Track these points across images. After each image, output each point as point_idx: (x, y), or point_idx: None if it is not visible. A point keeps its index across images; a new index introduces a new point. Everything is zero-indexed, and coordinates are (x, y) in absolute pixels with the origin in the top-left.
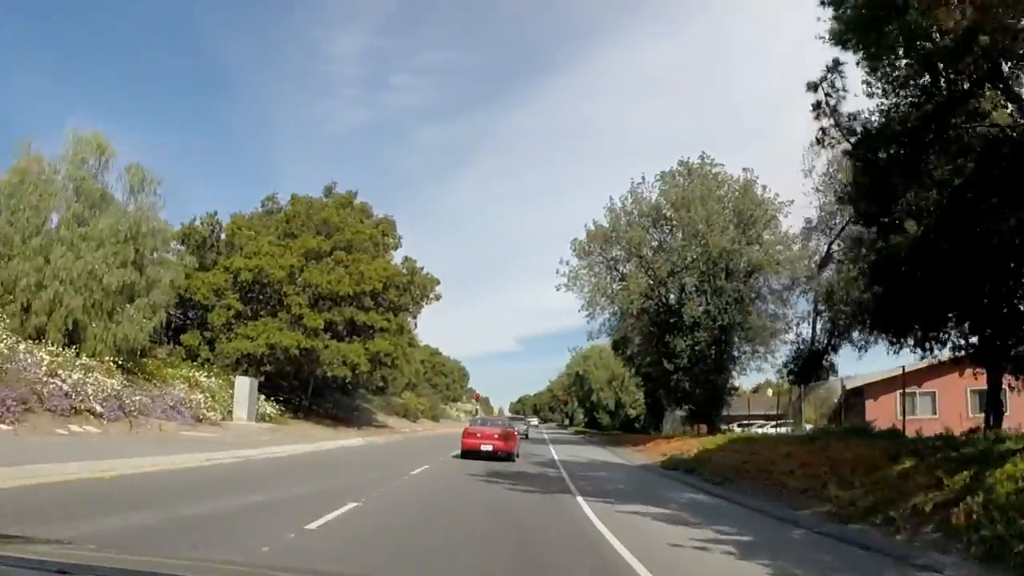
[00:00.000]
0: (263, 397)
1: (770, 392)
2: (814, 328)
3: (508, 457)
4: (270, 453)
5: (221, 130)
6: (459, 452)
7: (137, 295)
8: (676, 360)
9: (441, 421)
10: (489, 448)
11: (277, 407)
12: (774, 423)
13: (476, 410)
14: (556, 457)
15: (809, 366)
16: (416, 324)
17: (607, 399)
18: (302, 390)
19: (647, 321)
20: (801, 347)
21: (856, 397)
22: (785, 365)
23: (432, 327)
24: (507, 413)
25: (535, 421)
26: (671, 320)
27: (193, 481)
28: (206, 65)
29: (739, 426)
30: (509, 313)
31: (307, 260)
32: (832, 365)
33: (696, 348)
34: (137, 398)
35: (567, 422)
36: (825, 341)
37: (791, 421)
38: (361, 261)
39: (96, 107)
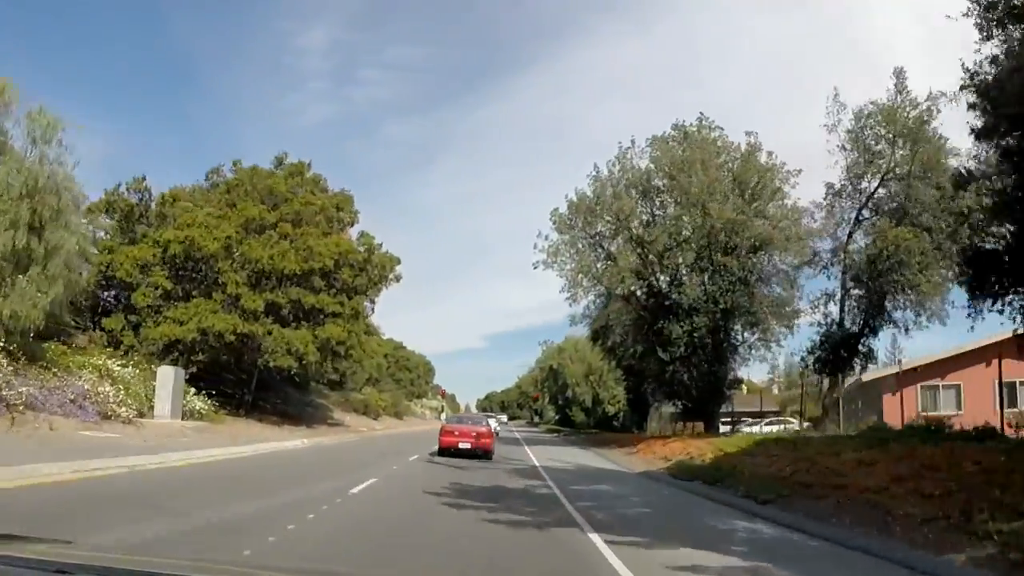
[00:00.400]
0: (195, 391)
1: (775, 389)
2: (842, 308)
3: (486, 455)
4: (178, 460)
5: (185, 120)
6: (417, 457)
7: (33, 263)
8: (671, 349)
9: (405, 419)
10: (467, 446)
11: (210, 402)
12: (768, 421)
13: (442, 407)
14: (537, 463)
15: (840, 353)
16: (374, 309)
17: (583, 395)
18: (246, 383)
19: (636, 305)
20: (831, 330)
21: (870, 391)
22: (811, 351)
23: (399, 323)
24: (474, 410)
25: (503, 418)
26: (665, 303)
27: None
28: (172, 55)
29: (730, 424)
30: (476, 310)
31: (247, 232)
32: (870, 351)
33: (695, 335)
34: (23, 389)
35: (536, 419)
36: (860, 322)
37: (788, 419)
38: (310, 235)
39: (57, 97)
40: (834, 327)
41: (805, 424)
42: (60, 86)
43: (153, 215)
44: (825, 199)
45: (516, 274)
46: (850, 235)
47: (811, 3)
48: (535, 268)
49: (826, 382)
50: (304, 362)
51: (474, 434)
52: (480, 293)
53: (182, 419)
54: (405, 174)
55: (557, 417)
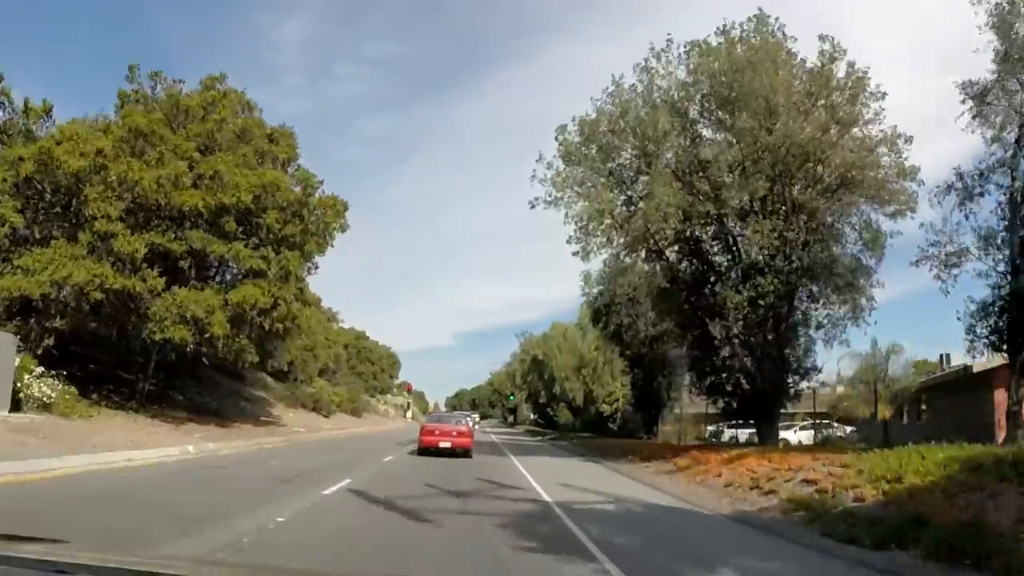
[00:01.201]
0: (49, 371)
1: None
2: (1014, 258)
3: (466, 453)
4: None
5: None
6: (347, 484)
7: None
8: (726, 323)
9: (365, 416)
10: (447, 445)
11: (64, 388)
12: (802, 425)
13: (408, 404)
14: (545, 493)
15: None
16: (313, 270)
17: (573, 391)
18: (144, 366)
19: (667, 268)
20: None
21: (976, 387)
22: (982, 311)
23: (368, 319)
24: (443, 408)
25: (476, 416)
26: (713, 261)
27: None
28: (147, 46)
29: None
30: (446, 308)
31: (132, 150)
32: None
33: (761, 303)
34: None
35: (511, 419)
36: None
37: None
38: (222, 162)
39: (30, 85)
40: (1004, 287)
41: (848, 429)
42: (32, 74)
43: (16, 130)
44: (966, 102)
45: (488, 272)
46: (1019, 143)
47: (792, 9)
48: (532, 207)
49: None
50: (209, 336)
51: (454, 433)
52: (451, 291)
53: (13, 410)
54: (378, 171)
55: (534, 417)
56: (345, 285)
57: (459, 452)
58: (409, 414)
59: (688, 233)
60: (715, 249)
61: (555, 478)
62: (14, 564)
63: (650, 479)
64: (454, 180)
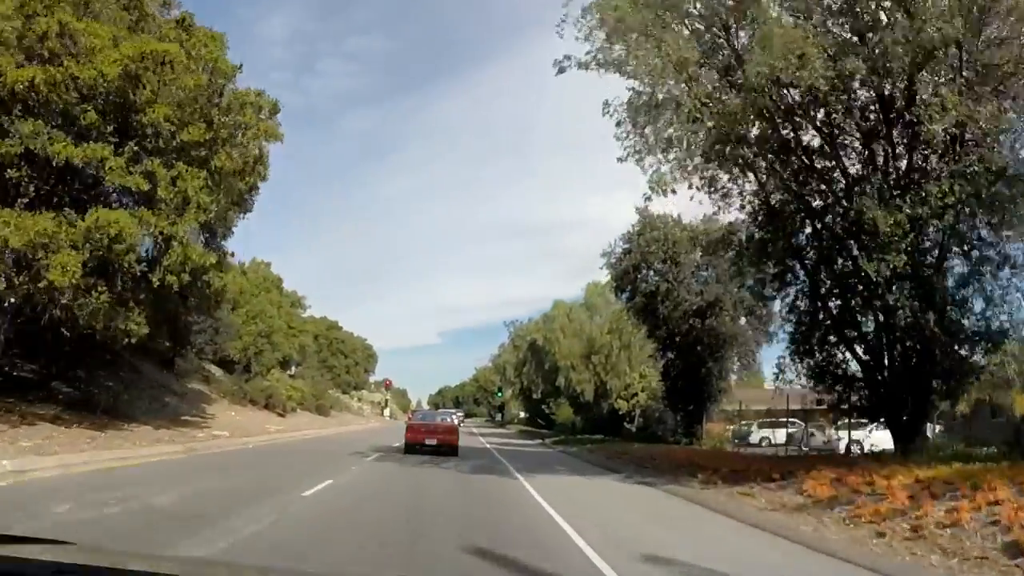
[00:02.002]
0: None
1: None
2: None
3: (452, 451)
4: None
5: None
6: None
7: None
8: (887, 259)
9: (334, 415)
10: (433, 442)
11: None
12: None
13: (385, 401)
14: None
15: None
16: (243, 211)
17: (580, 384)
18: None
19: (771, 180)
20: None
21: None
22: None
23: (352, 314)
24: (425, 406)
25: (460, 414)
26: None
27: None
28: None
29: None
30: (432, 306)
31: None
32: None
33: (936, 224)
34: None
35: (499, 417)
36: None
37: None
38: (76, 19)
39: None
40: None
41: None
42: None
43: None
44: None
45: (472, 270)
46: None
47: None
48: (561, 71)
49: None
50: (47, 286)
51: (440, 431)
52: (435, 288)
53: None
54: (361, 168)
55: (524, 415)
56: (327, 281)
57: (444, 450)
58: (387, 412)
59: (826, 111)
60: (853, 143)
61: (614, 530)
62: (14, 564)
63: (785, 524)
64: (437, 177)
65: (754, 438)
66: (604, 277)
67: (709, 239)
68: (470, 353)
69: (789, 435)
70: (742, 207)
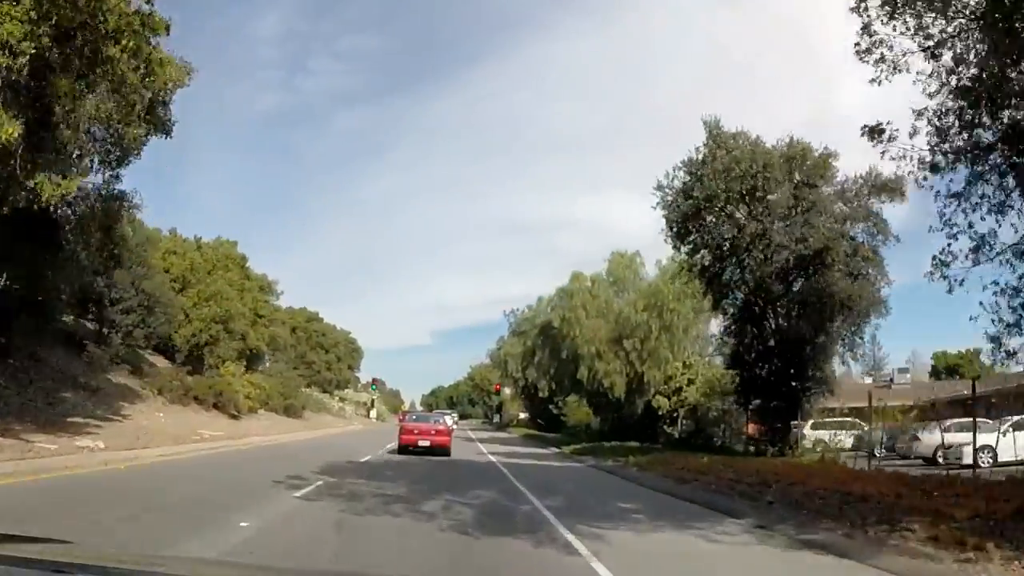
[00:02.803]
0: None
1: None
2: None
3: (444, 452)
4: None
5: None
6: None
7: None
8: None
9: (309, 417)
10: (427, 443)
11: None
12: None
13: (372, 402)
14: None
15: None
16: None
17: (609, 376)
18: None
19: None
20: None
21: None
22: None
23: (343, 314)
24: (419, 407)
25: (455, 415)
26: None
27: None
28: None
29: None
30: (424, 306)
31: None
32: None
33: None
34: None
35: (497, 418)
36: None
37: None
38: None
39: None
40: None
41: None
42: None
43: None
44: None
45: (465, 270)
46: None
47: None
48: None
49: None
50: None
51: (433, 432)
52: (427, 289)
53: None
54: (353, 166)
55: (525, 416)
56: (319, 280)
57: (437, 451)
58: (374, 413)
59: None
60: None
61: None
62: (14, 564)
63: None
64: (429, 176)
65: (808, 440)
66: (630, 247)
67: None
68: (462, 353)
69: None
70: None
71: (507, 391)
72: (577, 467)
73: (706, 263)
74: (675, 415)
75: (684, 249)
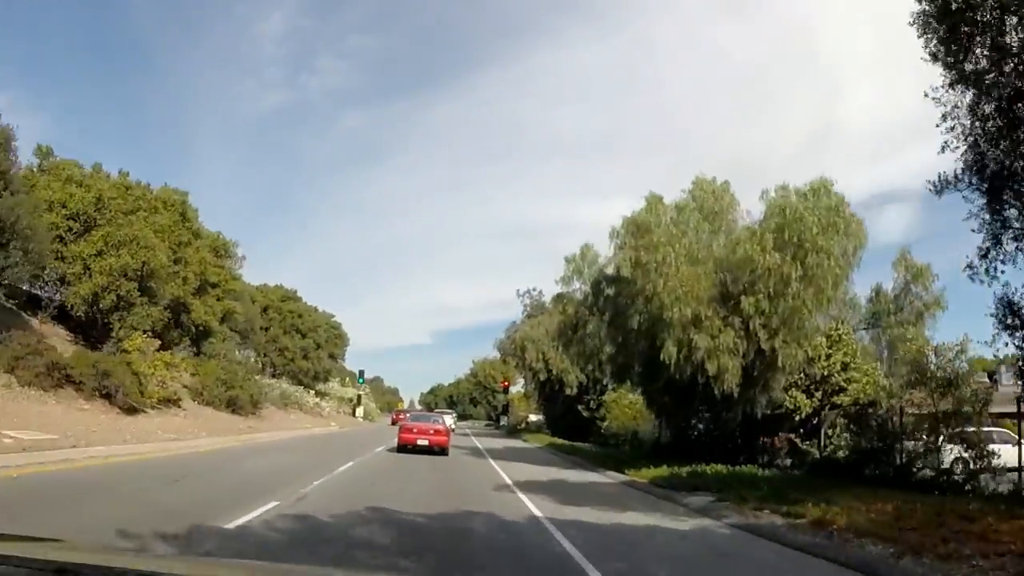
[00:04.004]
0: None
1: None
2: None
3: (442, 451)
4: None
5: (135, 102)
6: None
7: None
8: None
9: (266, 415)
10: (425, 442)
11: None
12: None
13: (358, 398)
14: None
15: None
16: None
17: (715, 355)
18: None
19: None
20: None
21: None
22: None
23: (345, 313)
24: (418, 406)
25: (453, 416)
26: None
27: None
28: (126, 35)
29: None
30: (424, 306)
31: None
32: None
33: None
34: None
35: (504, 421)
36: None
37: None
38: None
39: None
40: None
41: None
42: (8, 61)
43: None
44: None
45: (465, 271)
46: None
47: (770, 9)
48: None
49: None
50: None
51: (432, 432)
52: (428, 289)
53: None
54: (358, 167)
55: (538, 419)
56: (320, 280)
57: (436, 450)
58: (360, 412)
59: None
60: None
61: None
62: (14, 564)
63: None
64: (432, 178)
65: None
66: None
67: None
68: (462, 354)
69: None
70: None
71: (514, 389)
72: (720, 535)
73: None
74: (816, 420)
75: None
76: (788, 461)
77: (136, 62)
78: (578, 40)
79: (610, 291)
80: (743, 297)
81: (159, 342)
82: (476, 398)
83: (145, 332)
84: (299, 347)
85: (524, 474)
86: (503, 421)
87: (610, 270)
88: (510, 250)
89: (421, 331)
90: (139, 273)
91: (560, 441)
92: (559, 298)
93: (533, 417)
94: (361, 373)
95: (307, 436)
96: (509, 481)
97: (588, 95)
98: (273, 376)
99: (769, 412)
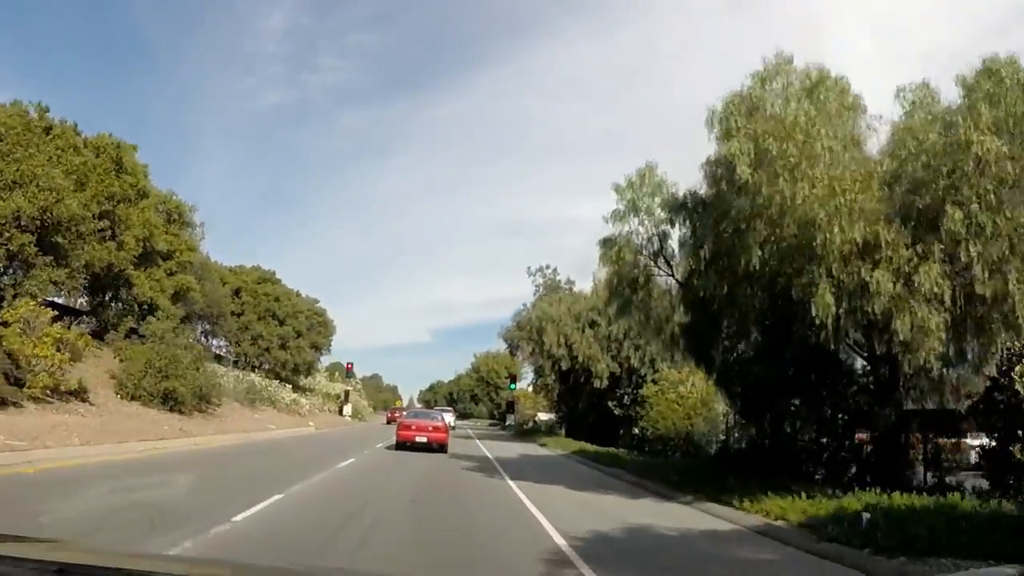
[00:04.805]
0: None
1: None
2: None
3: (441, 448)
4: None
5: (135, 99)
6: None
7: None
8: None
9: (220, 414)
10: (424, 440)
11: None
12: None
13: (346, 394)
14: None
15: None
16: None
17: (903, 310)
18: None
19: None
20: None
21: None
22: None
23: (344, 311)
24: (417, 404)
25: (452, 414)
26: None
27: None
28: (126, 30)
29: None
30: (424, 304)
31: None
32: None
33: None
34: None
35: (510, 420)
36: None
37: None
38: None
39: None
40: None
41: None
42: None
43: None
44: None
45: (465, 269)
46: None
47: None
48: None
49: None
50: None
51: (430, 428)
52: (427, 287)
53: None
54: (357, 165)
55: (549, 417)
56: (320, 277)
57: (435, 447)
58: (348, 410)
59: None
60: None
61: None
62: (14, 564)
63: None
64: (433, 176)
65: None
66: None
67: None
68: (461, 352)
69: None
70: None
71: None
72: None
73: None
74: None
75: None
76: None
77: (136, 59)
78: (579, 37)
79: (699, 220)
80: (945, 208)
81: (53, 313)
82: (478, 395)
83: (50, 305)
84: (276, 335)
85: (573, 513)
86: (509, 420)
87: (702, 190)
88: (511, 248)
89: (421, 329)
90: (38, 223)
91: (587, 447)
92: (608, 244)
93: (542, 416)
94: (349, 367)
95: (251, 443)
96: (559, 538)
97: (590, 92)
98: (249, 368)
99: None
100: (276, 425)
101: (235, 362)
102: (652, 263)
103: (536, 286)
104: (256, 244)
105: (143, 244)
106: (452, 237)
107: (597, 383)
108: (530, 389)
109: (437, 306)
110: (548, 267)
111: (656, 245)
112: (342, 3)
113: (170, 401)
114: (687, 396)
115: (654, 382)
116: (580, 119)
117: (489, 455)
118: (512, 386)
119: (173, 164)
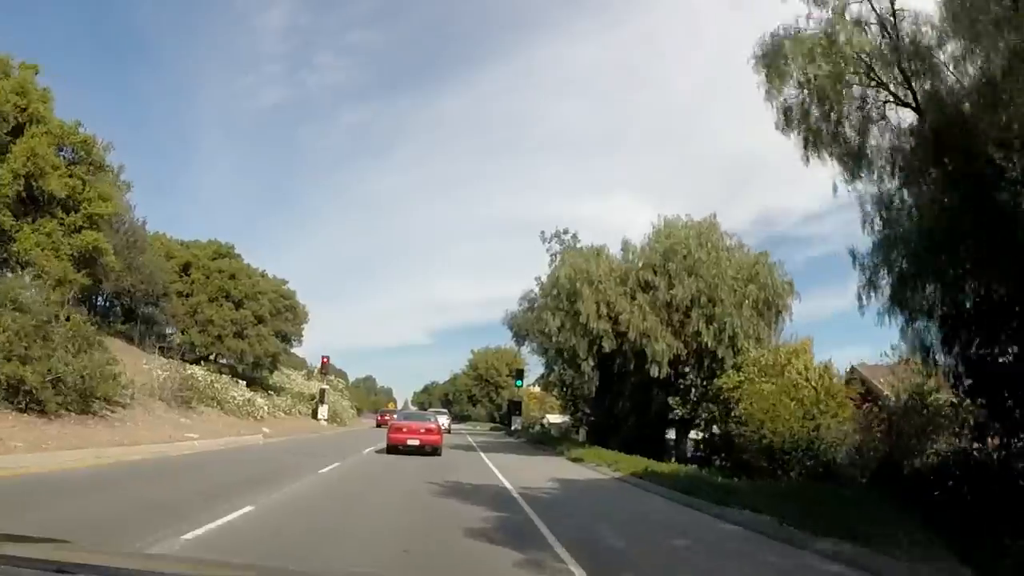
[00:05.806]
0: None
1: None
2: None
3: (435, 451)
4: None
5: (135, 97)
6: None
7: None
8: None
9: (122, 417)
10: (416, 442)
11: None
12: None
13: (322, 394)
14: None
15: None
16: None
17: None
18: None
19: None
20: None
21: None
22: None
23: (340, 310)
24: (411, 406)
25: (446, 417)
26: None
27: None
28: (123, 27)
29: None
30: (422, 305)
31: None
32: None
33: None
34: None
35: (516, 425)
36: None
37: None
38: None
39: None
40: None
41: None
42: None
43: None
44: None
45: (464, 269)
46: None
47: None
48: None
49: None
50: None
51: (422, 431)
52: (427, 287)
53: None
54: (356, 163)
55: (569, 418)
56: (315, 276)
57: (427, 450)
58: (324, 412)
59: None
60: None
61: None
62: (14, 564)
63: None
64: (432, 174)
65: None
66: None
67: None
68: (458, 354)
69: None
70: None
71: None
72: None
73: None
74: None
75: None
76: None
77: (135, 56)
78: (580, 35)
79: None
80: None
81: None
82: (476, 396)
83: None
84: (229, 320)
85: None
86: (516, 424)
87: None
88: (511, 247)
89: (418, 330)
90: None
91: (644, 462)
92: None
93: (553, 418)
94: (325, 360)
95: (118, 466)
96: None
97: (590, 90)
98: (201, 361)
99: None
100: (202, 434)
101: (183, 354)
102: None
103: (552, 256)
104: (254, 242)
105: (26, 183)
106: (451, 236)
107: (655, 370)
108: (536, 388)
109: (436, 306)
110: (566, 232)
111: None
112: (342, 1)
113: (22, 396)
114: (802, 386)
115: (737, 368)
116: (580, 117)
117: (508, 484)
118: (519, 383)
119: (174, 164)
